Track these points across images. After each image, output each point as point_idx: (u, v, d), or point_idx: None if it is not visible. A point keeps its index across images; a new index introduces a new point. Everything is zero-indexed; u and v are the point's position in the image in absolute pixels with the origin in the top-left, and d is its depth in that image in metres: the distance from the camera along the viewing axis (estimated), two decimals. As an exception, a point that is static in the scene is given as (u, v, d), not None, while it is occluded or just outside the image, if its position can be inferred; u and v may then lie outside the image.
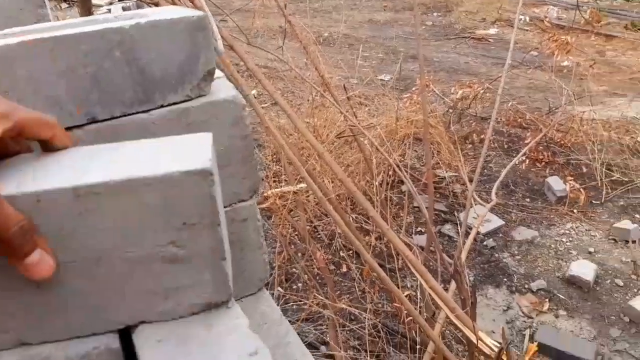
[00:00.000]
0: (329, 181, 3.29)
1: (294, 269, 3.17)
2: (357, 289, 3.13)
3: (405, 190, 3.88)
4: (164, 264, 0.54)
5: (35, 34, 0.68)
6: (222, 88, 0.82)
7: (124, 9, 6.87)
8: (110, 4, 8.89)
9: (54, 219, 0.51)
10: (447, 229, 3.71)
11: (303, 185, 2.54)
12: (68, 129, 0.69)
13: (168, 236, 0.53)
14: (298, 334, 0.85)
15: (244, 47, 2.30)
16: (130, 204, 0.51)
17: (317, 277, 3.14)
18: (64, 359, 0.54)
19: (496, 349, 2.05)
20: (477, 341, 2.05)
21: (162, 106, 0.75)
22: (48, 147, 0.57)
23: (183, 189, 0.52)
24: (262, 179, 3.50)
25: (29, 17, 0.98)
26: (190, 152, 0.56)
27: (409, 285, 3.21)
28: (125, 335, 0.57)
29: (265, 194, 2.66)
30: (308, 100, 3.58)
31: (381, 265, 2.76)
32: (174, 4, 2.54)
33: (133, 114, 0.73)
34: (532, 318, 3.04)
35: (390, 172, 3.78)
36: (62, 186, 0.51)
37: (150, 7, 3.11)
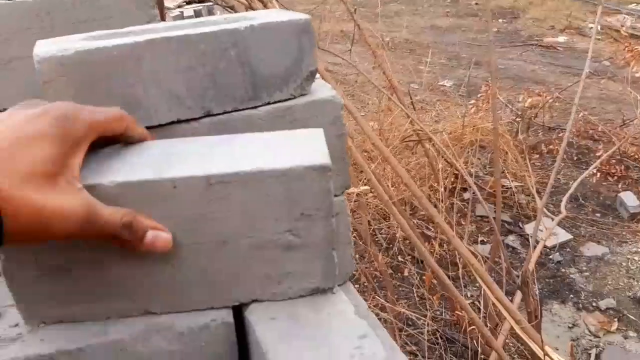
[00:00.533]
0: (390, 185, 3.29)
1: (353, 271, 3.19)
2: (415, 295, 3.11)
3: (467, 198, 3.81)
4: (281, 251, 0.58)
5: (156, 33, 0.73)
6: (320, 88, 0.86)
7: (195, 12, 7.14)
8: (179, 7, 9.25)
9: (187, 204, 0.56)
10: (511, 240, 3.62)
11: (366, 187, 2.55)
12: (185, 121, 0.74)
13: (287, 225, 0.57)
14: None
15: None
16: (255, 193, 0.56)
17: (376, 280, 3.14)
18: (185, 329, 0.59)
19: (563, 366, 1.98)
20: (544, 356, 1.99)
21: (268, 103, 0.79)
22: (124, 140, 0.58)
23: (305, 181, 0.56)
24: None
25: (142, 17, 1.06)
26: (308, 146, 0.60)
27: (469, 295, 3.15)
28: (237, 311, 0.62)
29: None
30: (373, 104, 3.60)
31: (442, 273, 2.73)
32: (250, 7, 2.63)
33: (243, 109, 0.78)
34: (599, 337, 2.91)
35: (452, 179, 3.73)
36: (196, 174, 0.55)
37: (226, 10, 3.22)
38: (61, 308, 0.60)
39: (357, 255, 3.31)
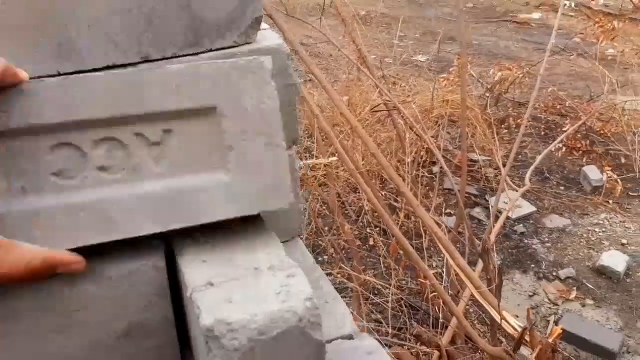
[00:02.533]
0: (360, 157, 3.29)
1: (320, 242, 3.21)
2: (382, 265, 3.15)
3: (435, 171, 3.85)
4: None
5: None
6: (267, 37, 0.84)
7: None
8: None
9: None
10: (477, 212, 3.68)
11: (334, 158, 2.55)
12: (122, 66, 0.72)
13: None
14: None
15: (282, 19, 2.31)
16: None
17: (344, 251, 3.17)
18: (114, 273, 0.58)
19: (519, 330, 2.04)
20: (501, 320, 2.05)
21: (210, 50, 0.77)
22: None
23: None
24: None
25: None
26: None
27: (434, 265, 3.21)
28: (171, 257, 0.61)
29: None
30: (344, 75, 3.57)
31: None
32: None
33: (182, 55, 0.75)
34: (558, 305, 3.01)
35: (422, 153, 3.75)
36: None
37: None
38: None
39: (325, 228, 3.32)
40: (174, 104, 0.58)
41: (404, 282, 3.09)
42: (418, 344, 2.39)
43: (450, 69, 4.44)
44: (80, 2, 0.66)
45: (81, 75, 0.59)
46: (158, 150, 0.57)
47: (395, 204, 3.37)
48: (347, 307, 0.75)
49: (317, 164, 2.63)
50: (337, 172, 3.30)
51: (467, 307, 2.61)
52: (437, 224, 2.44)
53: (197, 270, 0.55)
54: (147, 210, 0.56)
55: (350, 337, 0.69)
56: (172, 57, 0.75)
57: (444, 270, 2.56)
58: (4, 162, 0.54)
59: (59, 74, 0.67)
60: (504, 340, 2.48)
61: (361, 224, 3.47)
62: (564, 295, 3.06)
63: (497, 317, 2.02)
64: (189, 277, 0.54)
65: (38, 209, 0.54)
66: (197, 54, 0.76)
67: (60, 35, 0.65)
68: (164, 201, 0.56)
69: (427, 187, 3.74)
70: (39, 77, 0.65)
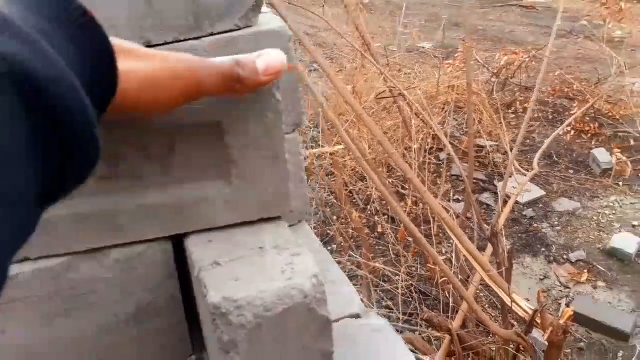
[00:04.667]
0: (366, 146, 3.29)
1: (329, 231, 3.21)
2: (391, 252, 3.15)
3: (443, 158, 3.83)
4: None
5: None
6: (269, 21, 0.84)
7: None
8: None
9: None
10: (486, 197, 3.67)
11: (340, 147, 2.54)
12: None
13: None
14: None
15: (285, 8, 2.29)
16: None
17: (352, 240, 3.17)
18: (121, 256, 0.58)
19: (531, 313, 2.04)
20: (512, 303, 2.04)
21: (211, 34, 0.77)
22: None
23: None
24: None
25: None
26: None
27: (444, 252, 3.20)
28: (180, 243, 0.61)
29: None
30: (349, 64, 3.56)
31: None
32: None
33: (184, 40, 0.75)
34: (569, 288, 3.00)
35: (429, 140, 3.73)
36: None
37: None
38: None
39: (333, 217, 3.33)
40: (176, 119, 0.56)
41: (413, 268, 3.09)
42: (429, 329, 2.40)
43: (456, 55, 4.41)
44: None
45: None
46: (162, 162, 0.57)
47: (403, 191, 3.37)
48: (353, 288, 0.75)
49: (323, 154, 2.63)
50: (344, 161, 3.29)
51: (478, 291, 2.61)
52: (446, 210, 2.43)
53: (204, 250, 0.56)
54: (151, 217, 0.56)
55: (357, 316, 0.69)
56: (173, 42, 0.75)
57: (454, 256, 2.55)
58: None
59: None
60: (515, 324, 2.47)
61: (369, 212, 3.47)
62: (575, 278, 3.05)
63: (507, 301, 2.01)
64: (196, 257, 0.55)
65: (46, 217, 0.54)
66: (198, 38, 0.76)
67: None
68: (167, 210, 0.56)
69: (435, 174, 3.73)
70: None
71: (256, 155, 0.58)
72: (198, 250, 0.56)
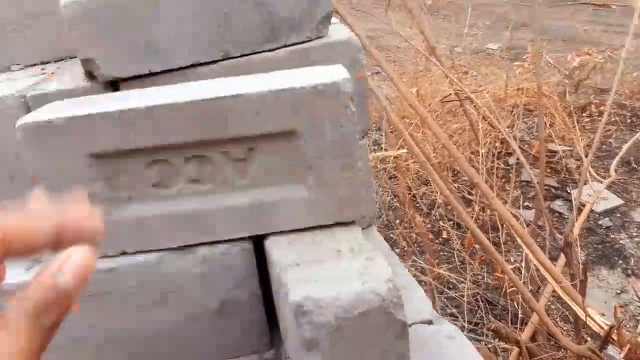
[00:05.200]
0: (431, 149, 3.24)
1: (392, 235, 3.19)
2: (456, 259, 3.08)
3: (512, 163, 3.70)
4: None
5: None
6: (338, 31, 0.86)
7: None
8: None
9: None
10: (558, 205, 3.50)
11: (403, 150, 2.53)
12: (205, 64, 0.76)
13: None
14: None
15: (347, 12, 2.31)
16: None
17: (416, 245, 3.13)
18: (208, 253, 0.62)
19: (606, 327, 1.93)
20: (586, 317, 1.94)
21: (285, 46, 0.80)
22: None
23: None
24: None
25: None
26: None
27: (512, 260, 3.09)
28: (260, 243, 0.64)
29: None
30: (413, 67, 3.53)
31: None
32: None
33: (260, 52, 0.79)
34: (650, 303, 2.80)
35: (497, 144, 3.62)
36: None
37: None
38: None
39: (396, 221, 3.30)
40: (255, 128, 0.60)
41: (479, 277, 3.01)
42: (496, 339, 2.32)
43: (525, 56, 4.25)
44: (165, 3, 0.71)
45: (166, 104, 0.62)
46: (243, 166, 0.60)
47: (469, 196, 3.28)
48: (423, 293, 0.75)
49: (386, 157, 2.62)
50: (407, 165, 3.27)
51: (549, 303, 2.50)
52: (515, 217, 2.35)
53: (284, 251, 0.58)
54: (235, 218, 0.60)
55: (430, 322, 0.69)
56: (251, 54, 0.79)
57: (523, 265, 2.46)
58: (112, 177, 0.59)
59: (150, 73, 0.72)
60: (589, 339, 2.34)
61: (433, 217, 3.41)
62: (656, 293, 2.85)
63: (581, 314, 1.92)
64: (276, 257, 0.57)
65: (142, 216, 0.59)
66: (273, 49, 0.80)
67: (148, 35, 0.71)
68: (249, 211, 0.60)
69: (503, 180, 3.61)
70: (134, 76, 0.70)
71: (332, 161, 0.60)
72: (277, 250, 0.58)
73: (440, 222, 3.37)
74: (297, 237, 0.61)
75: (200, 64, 0.74)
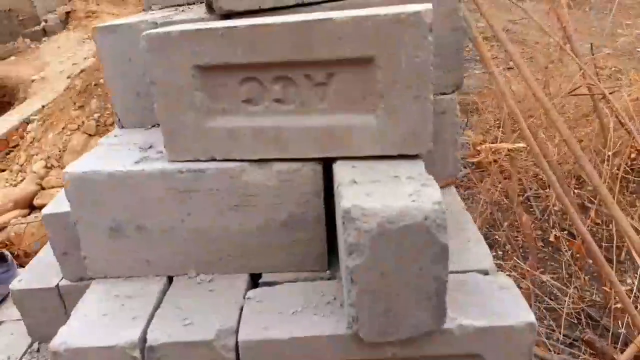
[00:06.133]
0: (555, 151, 3.04)
1: (497, 236, 3.06)
2: (564, 270, 2.88)
3: (648, 178, 3.32)
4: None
5: None
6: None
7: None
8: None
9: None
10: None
11: (520, 144, 2.41)
12: (312, 4, 0.83)
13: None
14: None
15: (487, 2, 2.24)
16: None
17: (521, 249, 2.98)
18: (281, 168, 0.69)
19: None
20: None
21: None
22: None
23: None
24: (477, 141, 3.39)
25: None
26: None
27: (628, 282, 2.81)
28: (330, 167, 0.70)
29: (478, 148, 2.61)
30: (546, 60, 3.31)
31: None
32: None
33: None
34: None
35: (633, 154, 3.27)
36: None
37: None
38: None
39: (504, 222, 3.16)
40: (336, 52, 0.65)
41: (587, 292, 2.78)
42: (593, 357, 2.16)
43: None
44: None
45: (263, 23, 0.70)
46: (322, 90, 0.66)
47: (589, 205, 3.03)
48: (489, 250, 0.75)
49: (500, 149, 2.51)
50: (525, 162, 3.09)
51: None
52: (636, 230, 2.14)
53: (347, 172, 0.63)
54: (309, 139, 0.66)
55: (486, 272, 0.70)
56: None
57: (636, 285, 2.24)
58: (211, 90, 0.68)
59: (260, 9, 0.81)
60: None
61: (545, 224, 3.20)
62: None
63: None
64: (339, 176, 0.62)
65: (232, 127, 0.68)
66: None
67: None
68: (322, 133, 0.66)
69: (635, 195, 3.27)
70: (246, 10, 0.79)
71: (403, 91, 0.63)
72: (342, 171, 0.63)
73: (553, 231, 3.16)
74: (362, 163, 0.66)
75: (306, 4, 0.80)
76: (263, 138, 0.67)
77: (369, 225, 0.53)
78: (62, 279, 1.17)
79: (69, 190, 0.72)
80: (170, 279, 0.76)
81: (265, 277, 0.74)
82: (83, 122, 4.37)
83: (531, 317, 0.61)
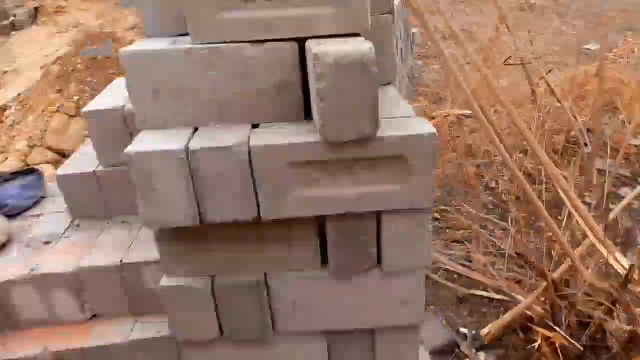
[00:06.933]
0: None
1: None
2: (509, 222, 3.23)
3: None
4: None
5: None
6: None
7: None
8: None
9: None
10: (624, 192, 3.54)
11: (468, 112, 2.78)
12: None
13: None
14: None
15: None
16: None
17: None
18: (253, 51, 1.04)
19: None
20: (607, 255, 2.09)
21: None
22: None
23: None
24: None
25: None
26: None
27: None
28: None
29: (432, 114, 2.97)
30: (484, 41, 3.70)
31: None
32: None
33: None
34: None
35: (572, 132, 3.69)
36: None
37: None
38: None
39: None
40: None
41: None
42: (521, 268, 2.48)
43: (614, 49, 4.25)
44: None
45: None
46: None
47: (532, 172, 3.41)
48: (411, 109, 1.09)
49: (449, 114, 2.89)
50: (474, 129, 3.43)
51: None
52: (564, 177, 2.51)
53: (314, 42, 0.97)
54: (289, 24, 0.99)
55: (408, 117, 1.05)
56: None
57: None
58: None
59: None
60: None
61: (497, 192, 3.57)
62: None
63: (604, 252, 2.08)
64: (309, 44, 0.97)
65: (236, 17, 1.02)
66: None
67: None
68: (296, 20, 0.99)
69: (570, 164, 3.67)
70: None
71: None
72: (311, 43, 0.98)
73: (503, 195, 3.52)
74: (323, 39, 1.01)
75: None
76: (257, 25, 1.01)
77: (329, 60, 0.88)
78: (98, 166, 1.55)
79: (124, 64, 1.04)
80: (195, 129, 1.09)
81: (262, 126, 1.10)
82: (62, 105, 4.56)
83: (432, 129, 0.97)
